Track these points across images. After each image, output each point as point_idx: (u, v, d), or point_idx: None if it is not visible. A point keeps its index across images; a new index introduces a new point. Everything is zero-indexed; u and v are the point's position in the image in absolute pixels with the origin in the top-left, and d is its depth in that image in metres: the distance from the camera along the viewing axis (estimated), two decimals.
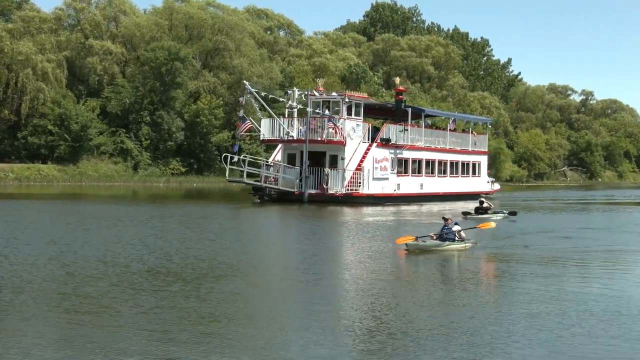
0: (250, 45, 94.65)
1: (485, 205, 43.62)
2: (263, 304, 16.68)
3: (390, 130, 57.97)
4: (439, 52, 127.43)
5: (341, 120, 54.23)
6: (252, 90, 55.96)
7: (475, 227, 28.98)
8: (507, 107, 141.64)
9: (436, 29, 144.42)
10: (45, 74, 79.98)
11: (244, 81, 60.46)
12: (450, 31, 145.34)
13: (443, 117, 73.47)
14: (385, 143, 56.66)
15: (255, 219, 41.46)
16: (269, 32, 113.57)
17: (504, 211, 43.92)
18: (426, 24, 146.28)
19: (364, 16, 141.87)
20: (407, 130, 59.25)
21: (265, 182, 53.25)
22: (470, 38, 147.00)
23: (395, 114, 61.57)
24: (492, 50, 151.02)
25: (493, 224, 31.48)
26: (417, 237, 25.97)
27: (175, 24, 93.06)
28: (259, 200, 52.88)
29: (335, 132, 53.52)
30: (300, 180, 53.09)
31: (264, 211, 46.49)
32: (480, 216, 41.96)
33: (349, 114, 55.32)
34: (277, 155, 56.26)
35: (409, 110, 61.53)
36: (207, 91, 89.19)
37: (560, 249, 27.63)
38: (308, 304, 16.45)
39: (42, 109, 78.95)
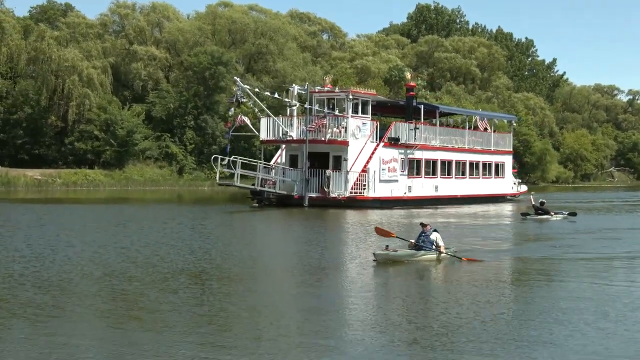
0: (293, 49, 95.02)
1: (545, 206, 43.00)
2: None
3: (400, 129, 54.62)
4: (483, 53, 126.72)
5: (345, 119, 51.09)
6: (245, 86, 53.39)
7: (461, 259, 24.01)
8: (553, 107, 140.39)
9: (480, 30, 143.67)
10: (91, 80, 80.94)
11: (235, 77, 57.83)
12: (494, 32, 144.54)
13: (465, 116, 68.81)
14: (394, 142, 53.44)
15: (233, 227, 37.38)
16: (312, 35, 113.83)
17: (564, 212, 43.52)
18: (470, 25, 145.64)
19: (407, 18, 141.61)
20: (418, 128, 55.67)
21: (262, 185, 50.53)
22: (515, 38, 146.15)
23: (407, 111, 58.00)
24: (536, 50, 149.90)
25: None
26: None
27: (219, 29, 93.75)
28: (257, 205, 50.05)
29: (320, 128, 50.64)
30: (301, 183, 50.31)
31: (250, 217, 43.61)
32: (540, 217, 41.82)
33: (355, 111, 51.80)
34: (281, 156, 53.85)
35: (422, 107, 58.02)
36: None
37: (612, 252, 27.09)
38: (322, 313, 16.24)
39: (88, 114, 79.98)
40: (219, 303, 16.54)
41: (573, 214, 42.90)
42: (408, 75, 66.09)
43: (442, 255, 23.68)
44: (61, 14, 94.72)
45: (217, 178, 51.69)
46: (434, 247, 23.62)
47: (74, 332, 13.58)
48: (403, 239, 24.47)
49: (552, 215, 42.04)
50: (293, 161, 52.43)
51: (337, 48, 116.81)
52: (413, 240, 23.98)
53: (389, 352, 12.57)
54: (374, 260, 22.75)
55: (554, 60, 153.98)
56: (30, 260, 22.14)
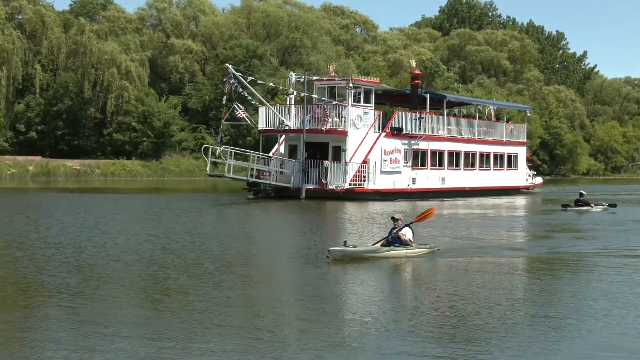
0: (326, 43, 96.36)
1: (585, 197, 42.78)
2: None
3: (403, 119, 52.20)
4: (515, 47, 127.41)
5: (346, 109, 48.78)
6: (237, 74, 51.28)
7: (412, 223, 22.77)
8: (584, 100, 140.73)
9: (511, 24, 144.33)
10: (130, 73, 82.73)
11: (227, 64, 55.23)
12: (526, 25, 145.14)
13: (480, 106, 65.79)
14: (397, 133, 51.08)
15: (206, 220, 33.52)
16: (345, 29, 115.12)
17: (604, 203, 43.37)
18: (502, 19, 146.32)
19: (439, 11, 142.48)
20: (422, 118, 53.00)
21: (257, 177, 48.65)
22: (546, 32, 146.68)
23: (412, 101, 55.16)
24: (567, 43, 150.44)
25: (433, 211, 24.09)
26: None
27: (254, 23, 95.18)
28: (252, 197, 48.56)
29: (322, 118, 48.89)
30: (299, 175, 48.24)
31: (234, 211, 40.95)
32: (580, 209, 41.56)
33: (358, 101, 49.60)
34: (281, 147, 51.60)
35: (428, 96, 55.50)
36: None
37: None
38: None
39: (127, 107, 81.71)
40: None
41: (613, 206, 42.85)
42: (413, 63, 64.02)
43: (412, 251, 21.94)
44: (101, 8, 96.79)
45: (208, 169, 49.48)
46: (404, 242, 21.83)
47: (106, 317, 14.01)
48: (356, 247, 21.53)
49: (592, 207, 41.96)
50: (293, 152, 50.47)
51: (370, 41, 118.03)
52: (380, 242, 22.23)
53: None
54: (327, 257, 20.45)
55: (585, 53, 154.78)
56: (65, 246, 22.75)
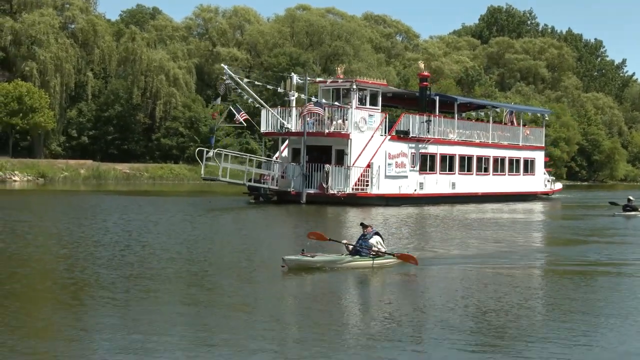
0: (368, 51, 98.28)
1: (633, 202, 42.61)
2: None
3: (410, 122, 49.58)
4: (553, 54, 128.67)
5: (349, 111, 46.52)
6: (233, 74, 48.70)
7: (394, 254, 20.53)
8: (622, 107, 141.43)
9: (550, 31, 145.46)
10: (177, 79, 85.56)
11: (223, 64, 53.26)
12: (564, 33, 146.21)
13: (498, 110, 64.03)
14: (403, 136, 48.57)
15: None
16: (386, 37, 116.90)
17: None
18: (540, 27, 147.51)
19: (479, 20, 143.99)
20: (430, 121, 50.36)
21: (257, 181, 46.79)
22: (584, 39, 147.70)
23: (420, 103, 52.76)
24: (605, 51, 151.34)
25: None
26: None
27: (297, 31, 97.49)
28: (253, 201, 46.12)
29: (302, 114, 47.13)
30: (299, 179, 46.24)
31: (221, 217, 37.47)
32: (628, 213, 41.57)
33: (363, 103, 47.74)
34: (285, 150, 49.66)
35: (437, 98, 53.25)
36: None
37: None
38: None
39: (174, 112, 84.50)
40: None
41: None
42: (421, 64, 61.83)
43: (379, 261, 19.97)
44: (149, 17, 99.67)
45: (202, 172, 47.85)
46: (371, 252, 19.87)
47: (151, 314, 14.26)
48: (337, 241, 21.07)
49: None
50: (296, 155, 48.13)
51: (411, 49, 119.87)
52: (349, 244, 20.46)
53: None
54: (282, 266, 18.74)
55: (624, 60, 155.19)
56: (111, 246, 23.05)
